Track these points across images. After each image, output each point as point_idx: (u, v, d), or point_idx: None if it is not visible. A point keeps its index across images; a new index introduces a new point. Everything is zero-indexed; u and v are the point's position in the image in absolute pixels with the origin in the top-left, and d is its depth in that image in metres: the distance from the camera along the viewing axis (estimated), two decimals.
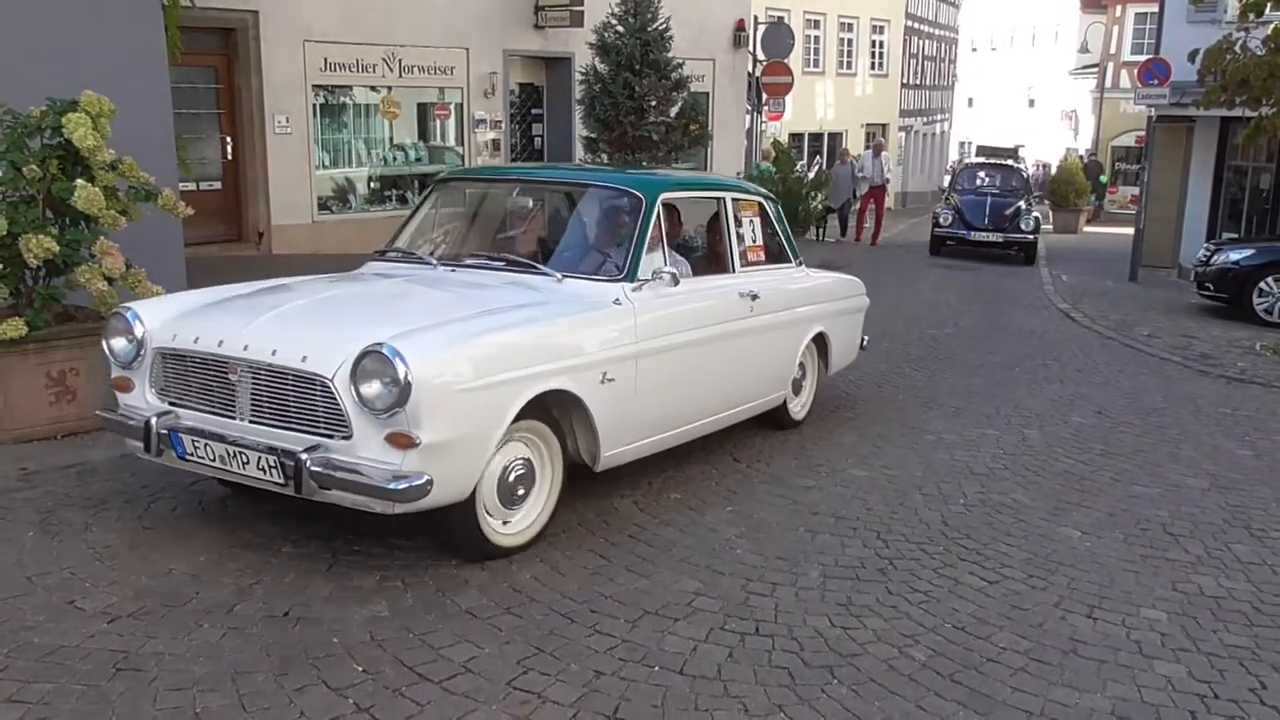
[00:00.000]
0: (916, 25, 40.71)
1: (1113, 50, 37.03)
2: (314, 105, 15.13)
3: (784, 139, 27.55)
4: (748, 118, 22.29)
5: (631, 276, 5.83)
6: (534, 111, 18.35)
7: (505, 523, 5.20)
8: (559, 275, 5.82)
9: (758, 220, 7.29)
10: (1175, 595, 5.21)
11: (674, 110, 12.79)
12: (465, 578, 4.96)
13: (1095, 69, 39.27)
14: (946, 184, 26.76)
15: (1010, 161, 25.00)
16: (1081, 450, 7.65)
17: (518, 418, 4.97)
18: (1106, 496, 6.65)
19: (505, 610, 4.67)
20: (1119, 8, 36.53)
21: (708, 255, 7.14)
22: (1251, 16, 13.30)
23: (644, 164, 12.51)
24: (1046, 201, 33.38)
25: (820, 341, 7.85)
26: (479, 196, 7.32)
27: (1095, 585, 5.27)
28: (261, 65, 14.27)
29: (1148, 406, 9.08)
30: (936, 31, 43.68)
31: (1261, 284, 14.64)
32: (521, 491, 5.24)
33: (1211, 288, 15.28)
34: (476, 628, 4.49)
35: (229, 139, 14.41)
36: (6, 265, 6.52)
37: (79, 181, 6.55)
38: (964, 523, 6.07)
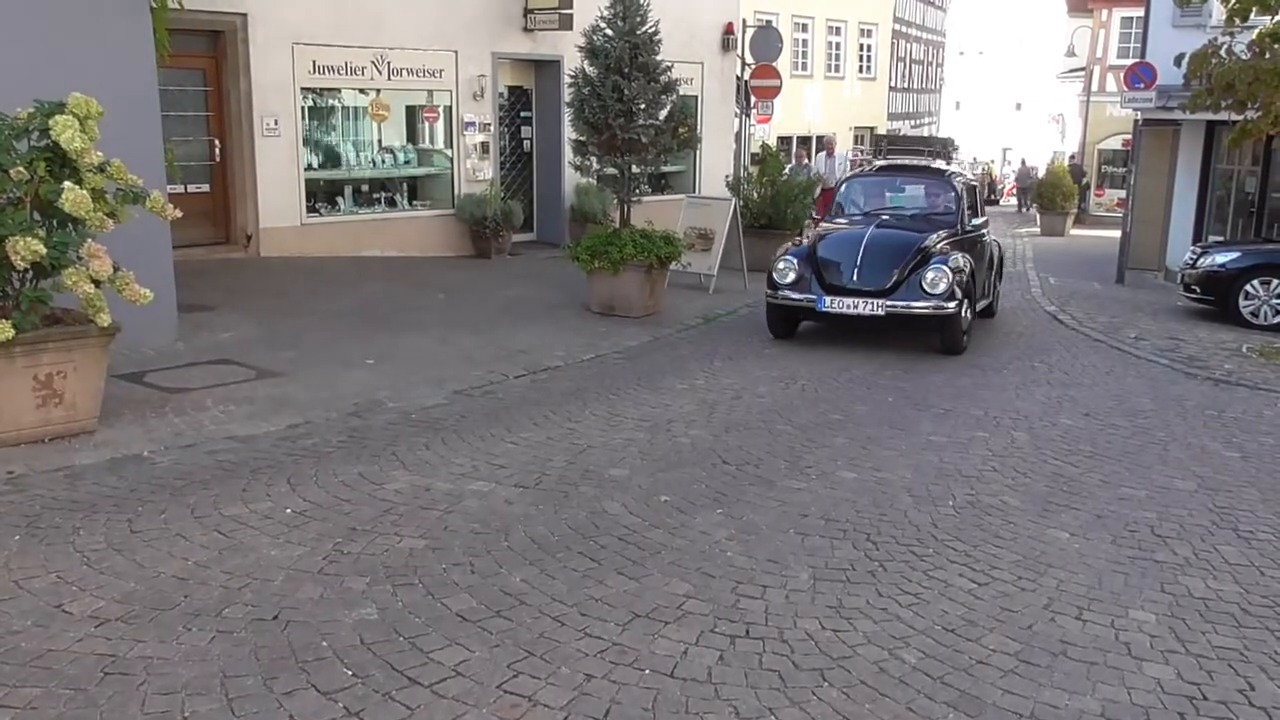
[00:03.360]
0: (904, 29, 40.84)
1: (1099, 54, 37.11)
2: (303, 108, 15.08)
3: (772, 142, 27.57)
4: (737, 121, 22.29)
5: None
6: (523, 114, 18.32)
7: None
8: None
9: None
10: (1164, 597, 5.23)
11: (663, 113, 12.74)
12: (455, 580, 4.96)
13: (1082, 73, 39.37)
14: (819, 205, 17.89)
15: (939, 164, 15.04)
16: (1070, 452, 7.67)
17: None
18: (1095, 498, 6.67)
19: (495, 613, 4.66)
20: (1105, 12, 36.61)
21: None
22: (1237, 21, 13.35)
23: (633, 167, 12.50)
24: (1035, 206, 33.48)
25: None
26: None
27: (1084, 587, 5.28)
28: (250, 67, 14.22)
29: (1135, 409, 9.11)
30: (924, 35, 43.82)
31: (1247, 287, 14.68)
32: None
33: (1198, 290, 15.31)
34: (466, 631, 4.49)
35: (217, 141, 14.35)
36: None
37: (66, 184, 6.52)
38: (953, 525, 6.08)
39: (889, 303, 10.64)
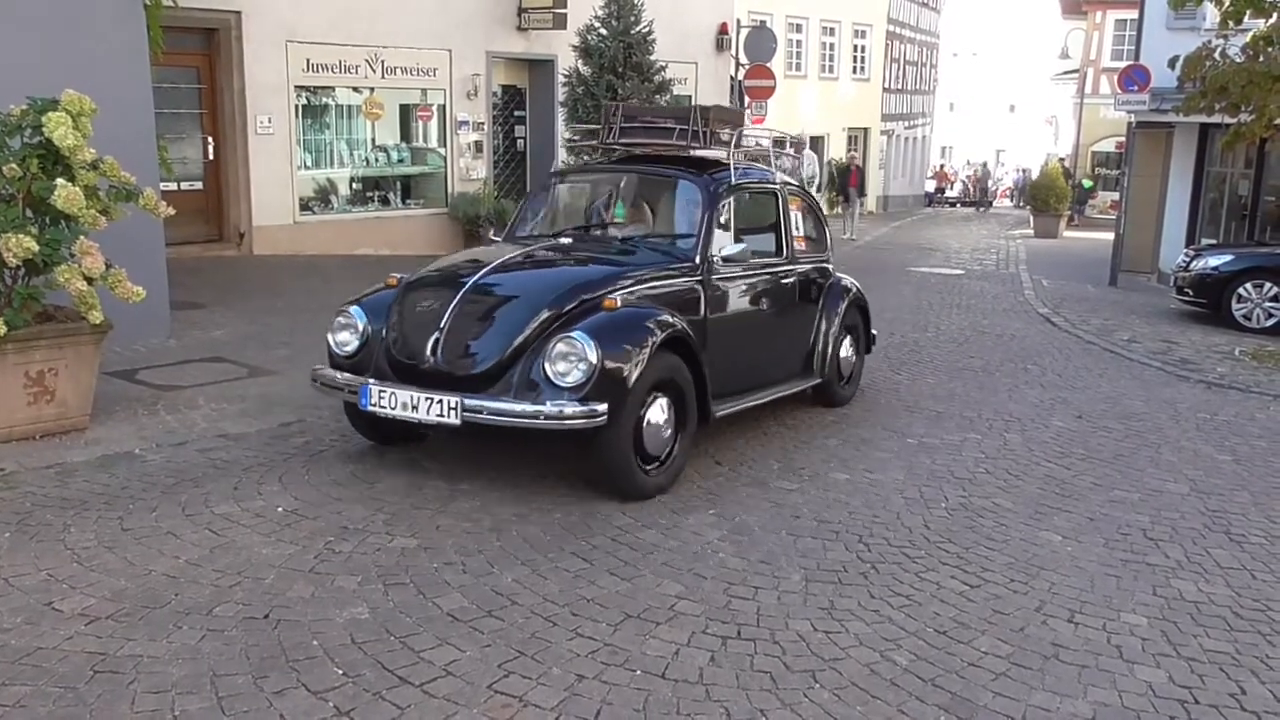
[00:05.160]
0: (898, 30, 40.86)
1: (1093, 56, 37.21)
2: (296, 106, 15.08)
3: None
4: None
5: None
6: (517, 113, 18.33)
7: None
8: None
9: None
10: (1156, 600, 5.23)
11: None
12: (446, 580, 4.95)
13: (1076, 75, 39.45)
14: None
15: (712, 152, 8.09)
16: (1062, 455, 7.68)
17: None
18: (1087, 501, 6.67)
19: (487, 613, 4.66)
20: (1099, 14, 36.71)
21: None
22: (1231, 24, 13.38)
23: None
24: (1028, 207, 33.53)
25: None
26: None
27: (1076, 590, 5.28)
28: (244, 66, 14.22)
29: (1128, 411, 9.12)
30: (918, 36, 43.85)
31: (1240, 290, 14.72)
32: None
33: (1191, 293, 15.36)
34: (458, 630, 4.48)
35: (211, 139, 14.35)
36: None
37: (59, 181, 6.51)
38: (946, 527, 6.08)
39: (474, 402, 5.86)
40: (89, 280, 6.66)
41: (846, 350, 8.77)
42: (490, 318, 6.34)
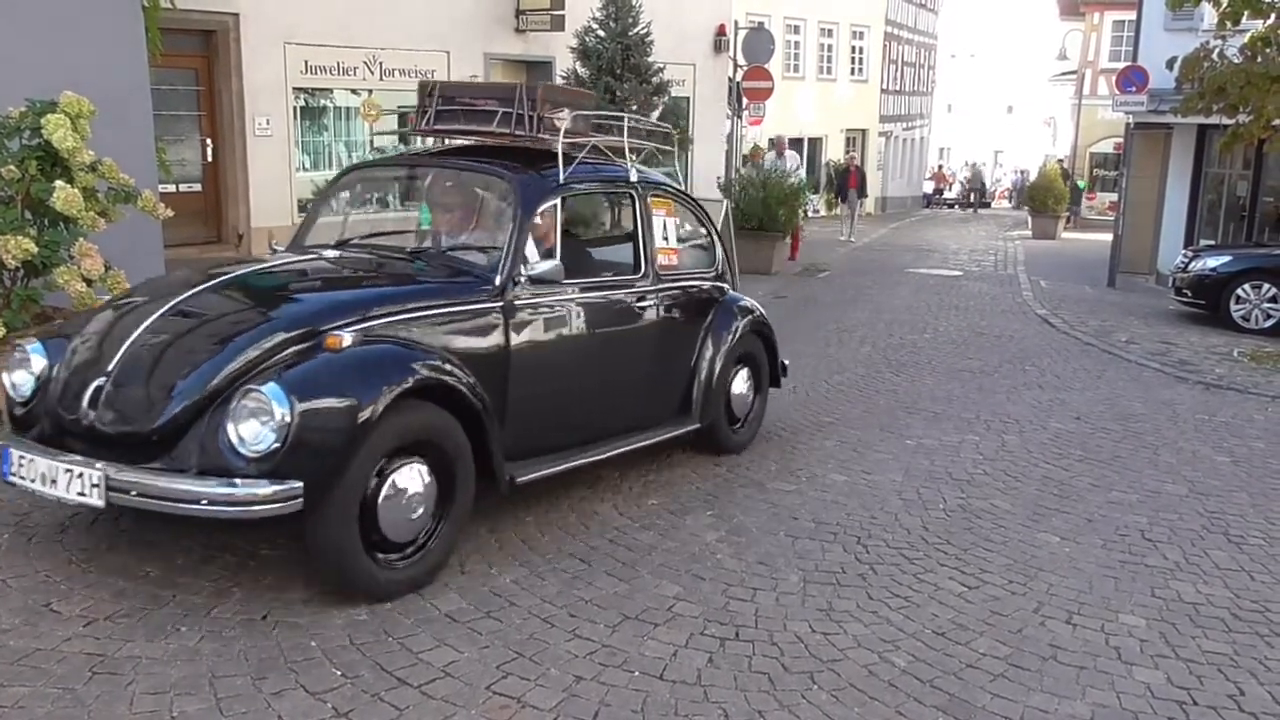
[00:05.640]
0: (896, 31, 40.88)
1: (1091, 57, 37.19)
2: (295, 108, 15.07)
3: (764, 144, 27.56)
4: (728, 122, 22.28)
5: None
6: None
7: None
8: None
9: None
10: (1154, 601, 5.23)
11: (655, 114, 12.80)
12: (444, 581, 4.95)
13: (1074, 76, 39.47)
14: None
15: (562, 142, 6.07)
16: (1061, 456, 7.68)
17: None
18: (1085, 502, 6.67)
19: (485, 614, 4.66)
20: (1097, 15, 36.70)
21: None
22: (1229, 25, 13.40)
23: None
24: (1026, 208, 33.53)
25: None
26: None
27: (1074, 591, 5.28)
28: (242, 67, 14.22)
29: (1126, 413, 9.12)
30: (916, 37, 43.87)
31: (1239, 291, 14.73)
32: None
33: (1189, 294, 15.36)
34: (456, 632, 4.48)
35: (209, 141, 14.34)
36: None
37: (58, 183, 6.52)
38: (944, 528, 6.08)
39: (124, 476, 4.40)
40: (88, 282, 6.66)
41: (741, 386, 7.33)
42: (174, 359, 4.67)
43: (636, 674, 4.22)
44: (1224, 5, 13.30)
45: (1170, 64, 14.14)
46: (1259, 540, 6.16)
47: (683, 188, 7.58)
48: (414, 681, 4.06)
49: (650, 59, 13.03)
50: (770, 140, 23.87)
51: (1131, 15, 22.85)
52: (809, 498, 6.47)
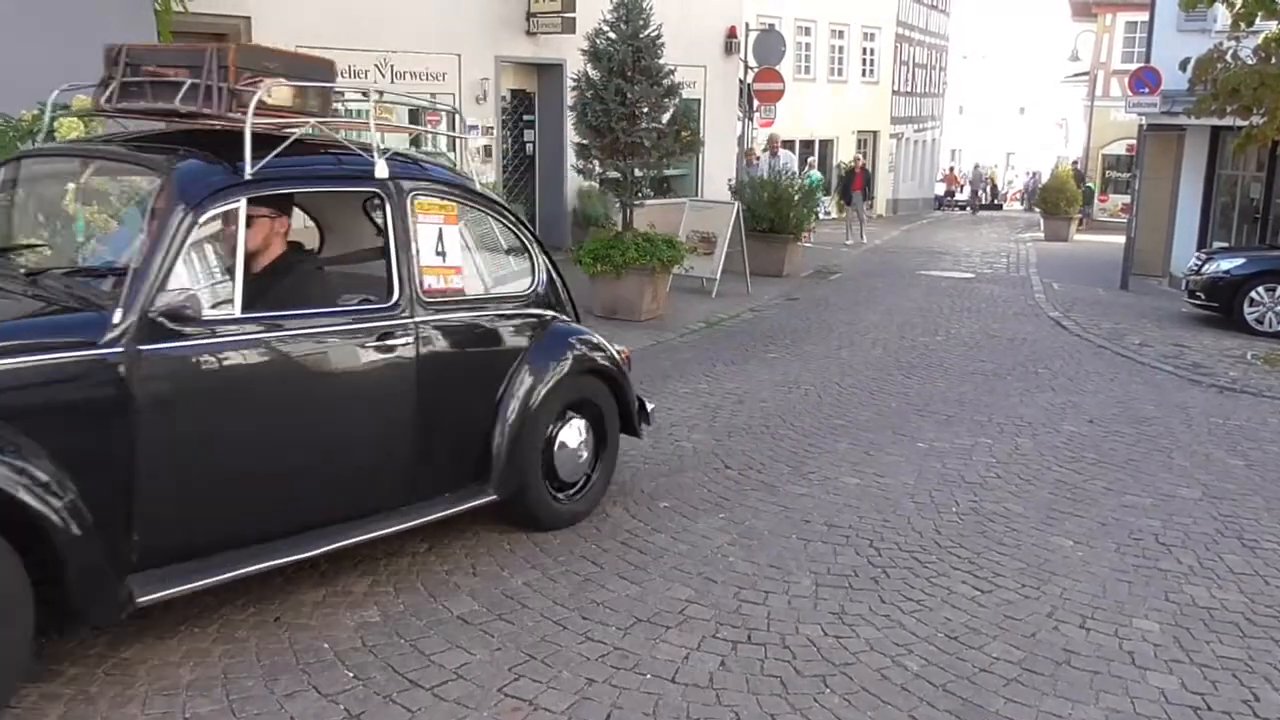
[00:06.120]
0: (907, 32, 40.80)
1: (1103, 59, 37.10)
2: None
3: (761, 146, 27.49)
4: (739, 124, 22.26)
5: None
6: (525, 118, 18.32)
7: None
8: None
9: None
10: (1168, 606, 5.21)
11: (666, 117, 12.75)
12: (456, 583, 4.95)
13: (1086, 77, 39.38)
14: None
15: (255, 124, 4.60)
16: (1074, 459, 7.65)
17: None
18: (1099, 506, 6.65)
19: (497, 616, 4.66)
20: (1109, 16, 36.61)
21: None
22: (1242, 25, 13.36)
23: (636, 170, 12.50)
24: (1038, 209, 33.41)
25: None
26: None
27: (1088, 595, 5.26)
28: None
29: (1139, 415, 9.08)
30: (927, 39, 43.78)
31: (1252, 293, 14.66)
32: None
33: (1203, 297, 15.30)
34: (468, 634, 4.48)
35: None
36: None
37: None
38: (957, 531, 6.06)
39: None
40: None
41: (573, 440, 5.76)
42: None
43: (648, 677, 4.22)
44: (1238, 6, 13.27)
45: (1183, 65, 14.11)
46: (1273, 544, 6.12)
47: (473, 184, 5.75)
48: (426, 683, 4.06)
49: (661, 61, 13.00)
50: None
51: (1144, 16, 22.81)
52: (821, 501, 6.46)
